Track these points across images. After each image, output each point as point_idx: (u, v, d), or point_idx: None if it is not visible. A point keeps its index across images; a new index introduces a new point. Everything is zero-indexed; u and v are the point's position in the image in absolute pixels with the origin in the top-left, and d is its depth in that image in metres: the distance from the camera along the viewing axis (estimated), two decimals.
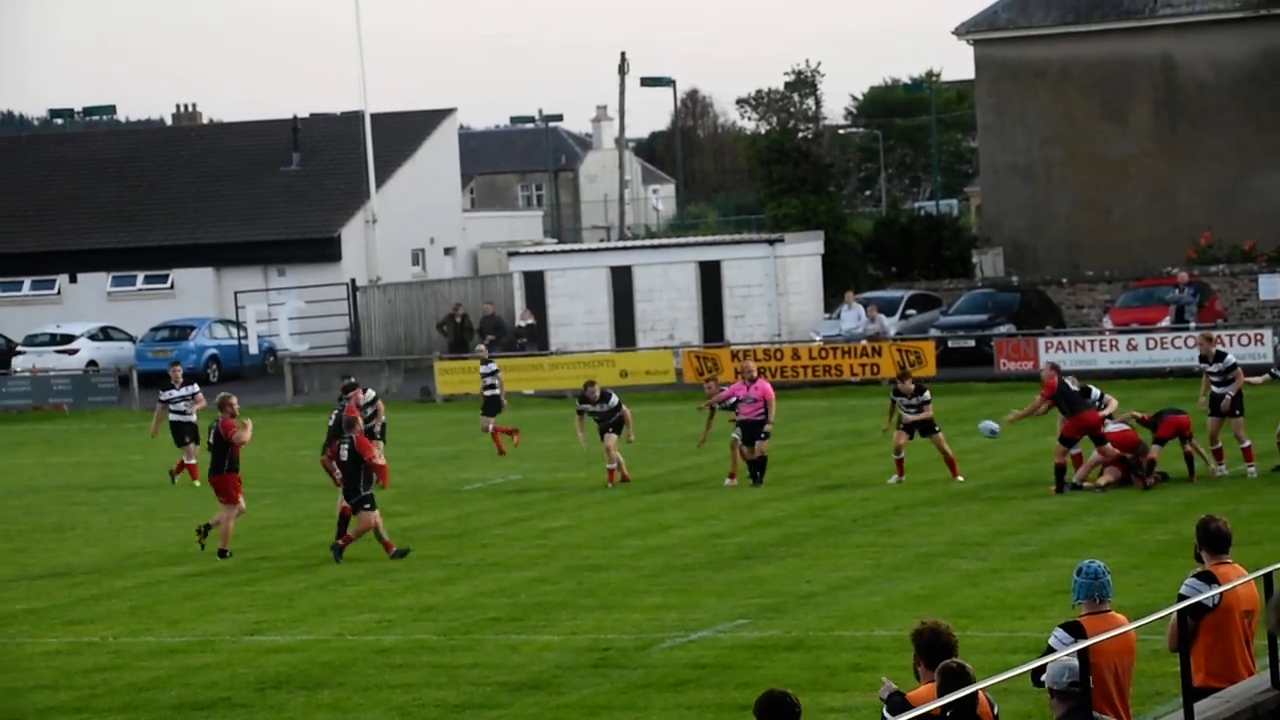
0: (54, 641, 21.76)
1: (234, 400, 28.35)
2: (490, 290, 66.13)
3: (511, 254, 60.98)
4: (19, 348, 62.75)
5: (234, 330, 63.51)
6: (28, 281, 69.01)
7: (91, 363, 61.17)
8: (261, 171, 71.51)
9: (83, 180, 72.29)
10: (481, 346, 46.20)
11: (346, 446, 26.82)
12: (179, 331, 63.09)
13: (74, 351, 61.52)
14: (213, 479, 28.04)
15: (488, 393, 39.79)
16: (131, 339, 63.95)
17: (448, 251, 73.48)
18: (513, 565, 25.64)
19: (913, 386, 31.56)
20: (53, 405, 55.62)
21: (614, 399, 33.41)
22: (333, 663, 20.01)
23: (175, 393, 37.18)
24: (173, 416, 36.94)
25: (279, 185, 70.57)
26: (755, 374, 32.53)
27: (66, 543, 29.79)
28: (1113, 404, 30.54)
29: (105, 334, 64.02)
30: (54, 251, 68.60)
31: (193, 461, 36.06)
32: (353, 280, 65.08)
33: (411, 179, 71.31)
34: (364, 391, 32.99)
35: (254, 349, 62.31)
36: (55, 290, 68.68)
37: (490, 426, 39.16)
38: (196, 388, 37.65)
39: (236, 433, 27.49)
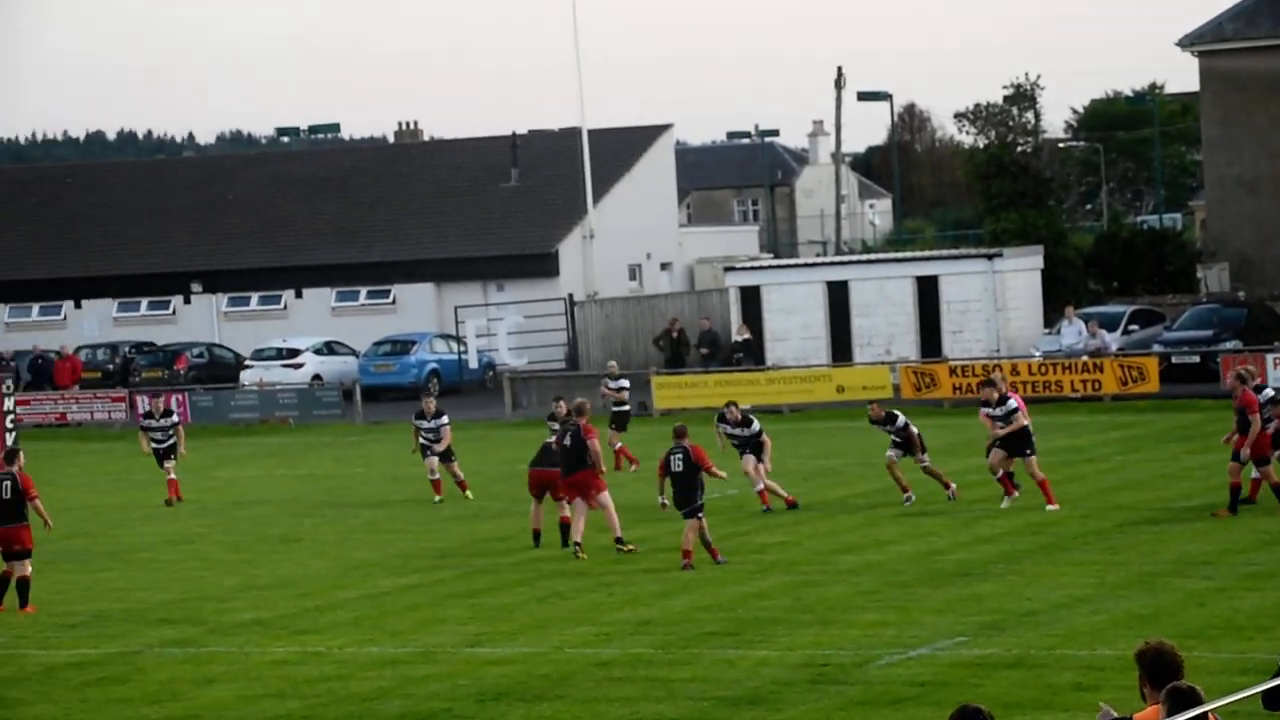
0: (281, 651, 22.13)
1: (588, 404, 29.47)
2: (706, 305, 66.22)
3: (728, 269, 61.01)
4: (247, 362, 63.98)
5: (454, 345, 64.19)
6: (255, 297, 70.36)
7: (316, 377, 62.21)
8: (481, 188, 72.27)
9: (308, 197, 73.57)
10: (612, 363, 46.18)
11: (680, 457, 27.02)
12: (400, 346, 63.93)
13: (299, 366, 62.59)
14: (575, 478, 28.20)
15: (616, 408, 40.17)
16: (355, 353, 64.91)
17: (664, 266, 73.69)
18: (729, 580, 25.64)
19: (996, 394, 30.47)
20: (279, 418, 56.63)
21: (755, 425, 32.36)
22: (551, 675, 20.15)
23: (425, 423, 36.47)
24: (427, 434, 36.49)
25: (498, 201, 71.27)
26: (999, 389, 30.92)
27: (293, 554, 30.29)
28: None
29: (329, 348, 65.06)
30: (280, 267, 69.87)
31: None
32: (570, 295, 65.51)
33: (628, 194, 71.65)
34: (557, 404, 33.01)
35: (473, 363, 62.97)
36: (282, 305, 69.93)
37: (618, 443, 39.59)
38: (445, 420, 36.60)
39: (594, 439, 28.42)
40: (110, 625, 24.34)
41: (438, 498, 35.86)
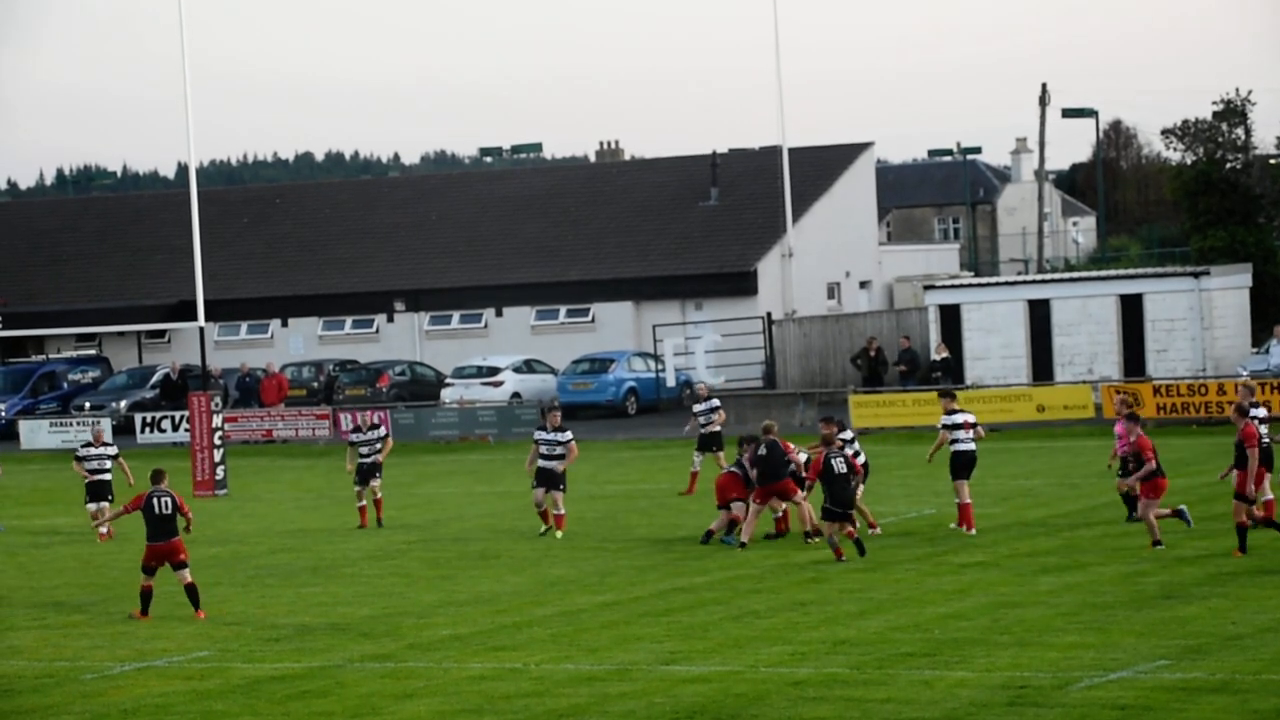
0: (478, 666, 22.31)
1: (774, 425, 31.40)
2: (905, 324, 65.85)
3: (927, 287, 60.63)
4: (448, 380, 64.62)
5: (652, 363, 64.36)
6: (456, 315, 71.07)
7: (515, 394, 62.69)
8: (681, 206, 72.44)
9: (509, 216, 74.19)
10: (700, 383, 45.98)
11: (842, 460, 29.65)
12: (599, 364, 64.22)
13: (499, 384, 63.10)
14: (774, 486, 30.89)
15: (705, 429, 40.49)
16: (554, 371, 65.32)
17: (863, 285, 73.40)
18: (926, 600, 25.46)
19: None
20: (479, 436, 57.14)
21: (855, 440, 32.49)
22: (746, 694, 20.12)
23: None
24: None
25: (698, 220, 71.40)
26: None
27: (491, 570, 30.53)
28: None
29: (529, 366, 65.52)
30: (481, 286, 70.52)
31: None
32: (768, 314, 65.44)
33: (828, 213, 71.46)
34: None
35: (671, 381, 63.11)
36: (482, 324, 70.57)
37: (699, 463, 39.94)
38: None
39: (794, 454, 31.09)
40: (313, 639, 24.68)
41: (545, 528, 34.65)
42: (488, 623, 25.39)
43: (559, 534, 34.18)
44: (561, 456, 34.17)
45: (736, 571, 28.83)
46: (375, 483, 37.37)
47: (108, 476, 37.45)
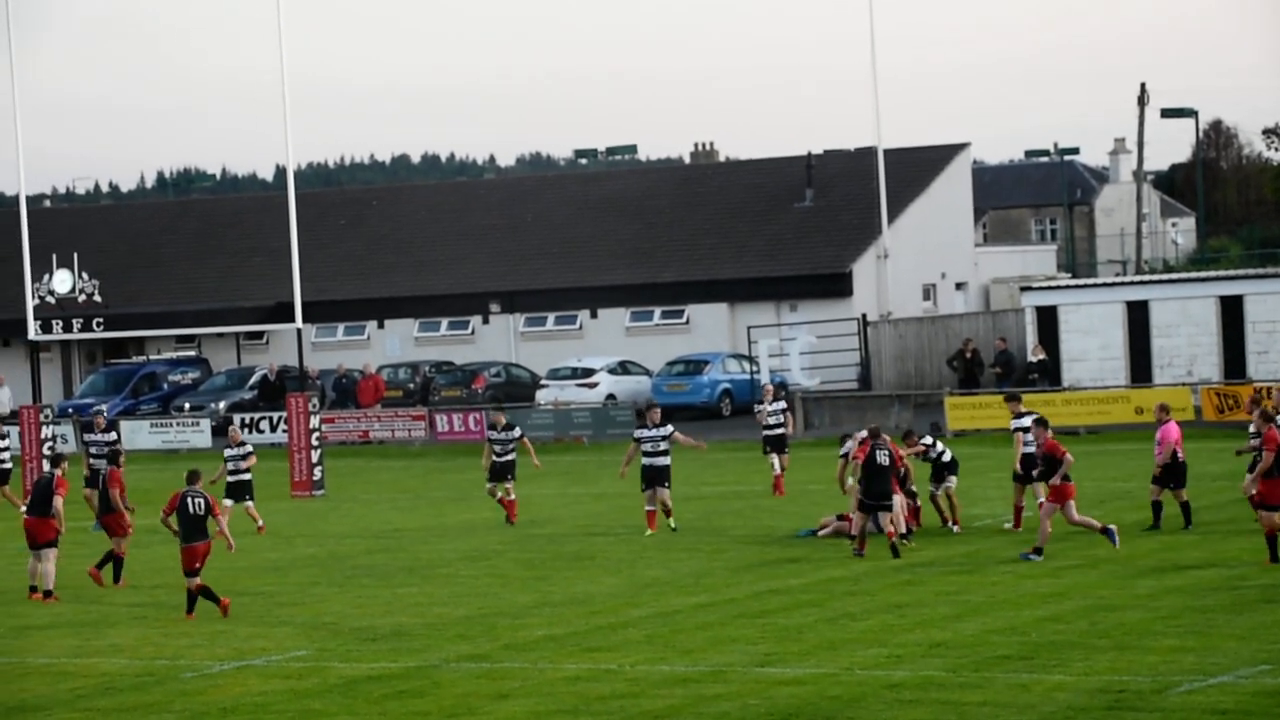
0: (573, 668, 22.35)
1: (879, 427, 31.55)
2: (1002, 325, 65.48)
3: (1024, 289, 60.28)
4: (543, 381, 64.77)
5: (746, 365, 64.30)
6: (551, 317, 71.21)
7: (610, 396, 62.76)
8: (776, 208, 72.34)
9: (604, 218, 74.29)
10: (767, 384, 45.84)
11: (886, 453, 30.27)
12: (693, 366, 64.21)
13: (594, 385, 63.18)
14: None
15: (766, 432, 40.59)
16: (648, 373, 65.34)
17: (959, 286, 73.04)
18: (1023, 603, 25.31)
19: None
20: (573, 437, 57.24)
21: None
22: (842, 696, 20.06)
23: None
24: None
25: (792, 222, 71.28)
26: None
27: (586, 571, 30.58)
28: None
29: (623, 368, 65.58)
30: (576, 288, 70.62)
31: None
32: (863, 315, 65.24)
33: (924, 214, 71.18)
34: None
35: (765, 383, 62.94)
36: (577, 325, 70.69)
37: (779, 465, 40.17)
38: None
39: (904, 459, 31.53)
40: (410, 639, 24.79)
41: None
42: (583, 624, 25.43)
43: (673, 523, 34.76)
44: (666, 451, 34.73)
45: (831, 574, 28.75)
46: (509, 482, 37.44)
47: (247, 476, 37.78)
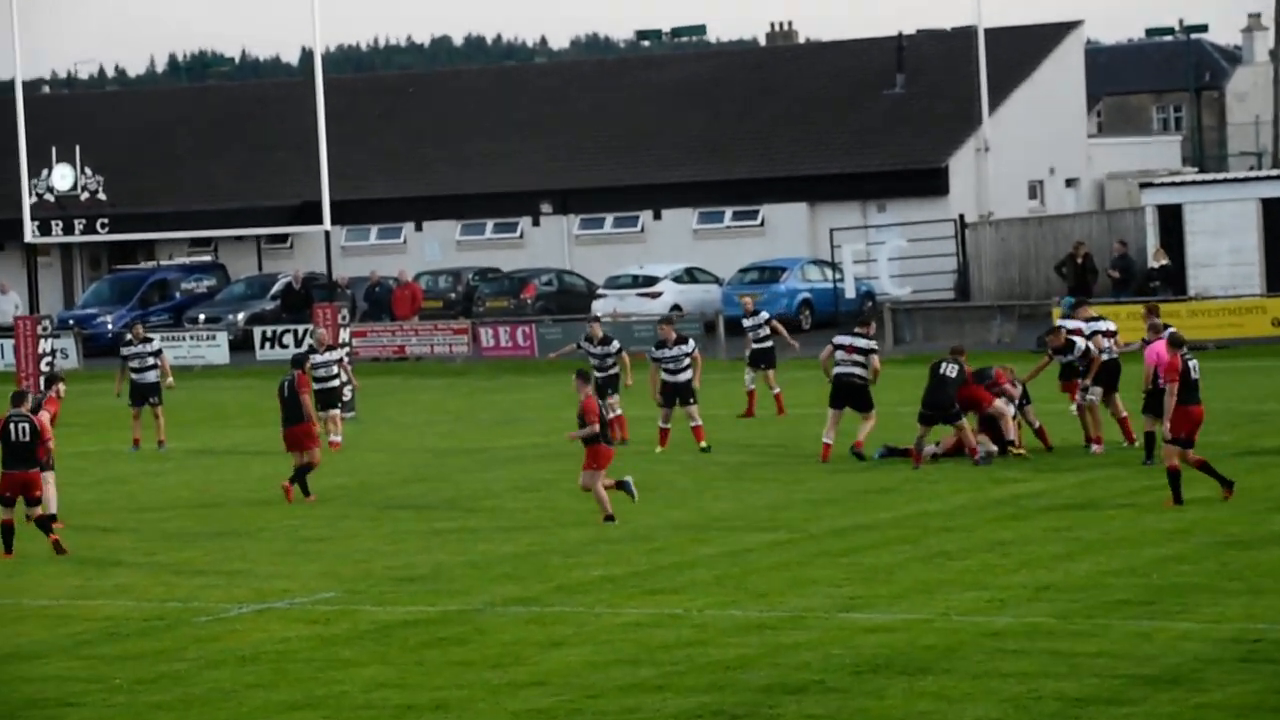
0: (633, 612, 22.29)
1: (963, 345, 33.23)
2: (1118, 227, 65.02)
3: (1144, 185, 59.87)
4: (599, 290, 64.66)
5: (828, 272, 64.05)
6: (610, 218, 71.02)
7: (675, 307, 62.63)
8: (862, 96, 71.94)
9: (669, 108, 73.99)
10: (747, 296, 46.05)
11: (956, 368, 32.54)
12: (768, 273, 64.02)
13: (657, 295, 63.06)
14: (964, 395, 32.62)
15: (757, 345, 41.88)
16: (717, 281, 65.18)
17: (1070, 183, 72.59)
18: (1143, 541, 25.12)
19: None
20: (634, 354, 57.10)
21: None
22: (937, 646, 19.94)
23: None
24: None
25: (880, 111, 70.88)
26: None
27: (648, 504, 30.49)
28: None
29: (690, 275, 65.44)
30: (637, 186, 70.43)
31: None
32: (961, 216, 64.87)
33: (1029, 101, 70.66)
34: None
35: (850, 293, 62.78)
36: (638, 228, 70.53)
37: (750, 381, 41.70)
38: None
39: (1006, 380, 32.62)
40: (450, 580, 24.79)
41: None
42: (644, 563, 25.38)
43: (704, 444, 35.95)
44: (688, 367, 36.37)
45: (924, 507, 28.62)
46: (612, 399, 37.58)
47: (335, 384, 39.48)
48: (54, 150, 55.00)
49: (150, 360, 40.79)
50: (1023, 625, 20.71)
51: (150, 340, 41.44)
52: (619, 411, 37.65)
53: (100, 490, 35.09)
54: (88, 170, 54.30)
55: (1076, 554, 24.52)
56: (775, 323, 42.23)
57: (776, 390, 41.71)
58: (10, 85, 53.09)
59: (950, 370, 32.75)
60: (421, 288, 65.66)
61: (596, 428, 28.01)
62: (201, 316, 67.47)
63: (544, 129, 74.77)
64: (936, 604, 21.97)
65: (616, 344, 38.46)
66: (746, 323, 42.46)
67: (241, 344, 61.74)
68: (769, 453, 35.81)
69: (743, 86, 74.35)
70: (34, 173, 52.34)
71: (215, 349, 60.66)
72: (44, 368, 48.85)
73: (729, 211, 69.44)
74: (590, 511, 29.75)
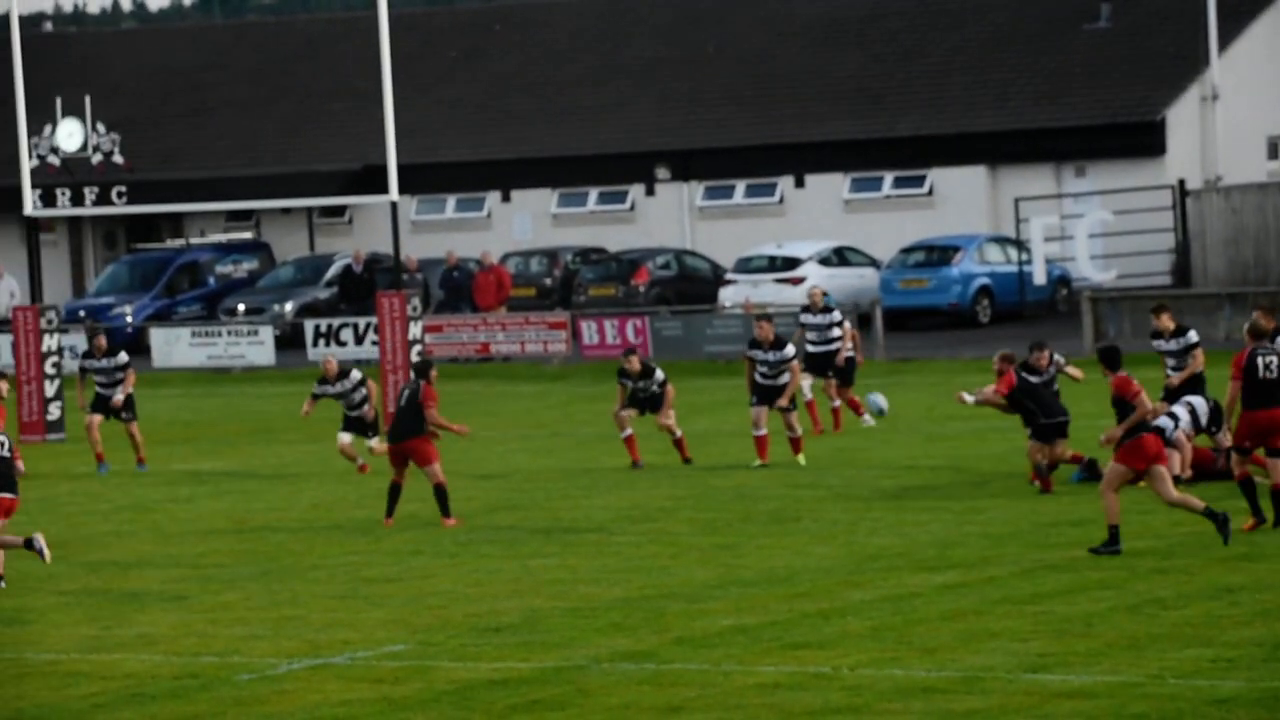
0: (770, 670, 22.41)
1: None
2: None
3: None
4: (728, 275, 64.78)
5: (1013, 252, 63.96)
6: (740, 186, 71.13)
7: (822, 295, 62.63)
8: (1056, 32, 71.79)
9: (814, 48, 74.05)
10: (816, 288, 46.52)
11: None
12: (937, 254, 64.05)
13: (799, 280, 63.16)
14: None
15: (817, 348, 42.80)
16: (874, 263, 65.20)
17: None
18: None
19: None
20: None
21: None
22: (1148, 715, 19.99)
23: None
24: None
25: (1079, 51, 70.71)
26: None
27: (788, 538, 30.59)
28: None
29: (839, 257, 65.50)
30: (774, 145, 70.52)
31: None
32: (1180, 182, 64.69)
33: (1269, 38, 70.30)
34: None
35: (1039, 278, 62.71)
36: (776, 198, 70.66)
37: (809, 390, 42.26)
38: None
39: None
40: (546, 630, 24.97)
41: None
42: (783, 610, 25.49)
43: (801, 459, 37.24)
44: (783, 373, 37.86)
45: (1133, 543, 28.61)
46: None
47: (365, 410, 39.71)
48: (59, 102, 55.41)
49: (117, 375, 41.41)
50: (1256, 691, 20.71)
51: (117, 353, 42.03)
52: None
53: (119, 520, 35.50)
54: (100, 127, 54.72)
55: None
56: (853, 331, 44.09)
57: (836, 404, 42.82)
58: (4, 21, 53.66)
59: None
60: (509, 272, 65.98)
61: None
62: (241, 307, 68.05)
63: (660, 75, 74.98)
64: (1147, 664, 21.99)
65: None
66: (811, 319, 43.61)
67: (290, 340, 62.19)
68: (938, 474, 35.85)
69: (907, 21, 74.27)
70: (34, 130, 52.85)
71: (258, 347, 61.19)
72: (49, 369, 49.29)
73: (889, 177, 69.47)
74: (718, 547, 29.92)
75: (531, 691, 22.04)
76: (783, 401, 37.47)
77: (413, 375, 34.13)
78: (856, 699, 21.10)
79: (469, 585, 28.09)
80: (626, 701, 21.43)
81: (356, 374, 39.40)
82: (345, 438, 39.29)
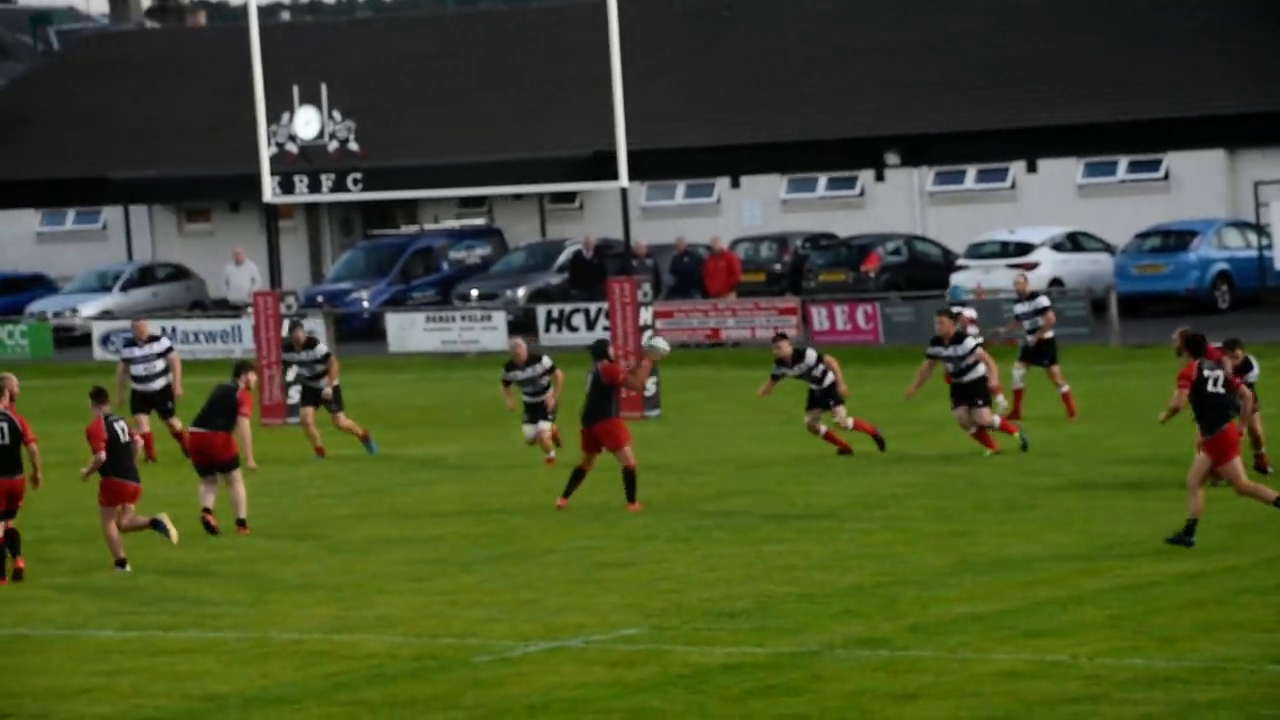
0: (1006, 659, 22.34)
1: None
2: None
3: None
4: (960, 261, 64.50)
5: (1252, 237, 63.28)
6: (972, 171, 70.77)
7: (1055, 281, 62.34)
8: None
9: (1047, 28, 73.33)
10: (1022, 276, 46.30)
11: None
12: (1174, 239, 63.47)
13: (1032, 266, 62.75)
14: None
15: (1033, 334, 42.94)
16: (1109, 249, 64.71)
17: None
18: None
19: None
20: (1004, 338, 56.75)
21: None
22: None
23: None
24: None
25: None
26: None
27: (1023, 525, 30.49)
28: None
29: (1074, 242, 65.05)
30: (1008, 130, 69.90)
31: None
32: None
33: None
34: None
35: None
36: (1008, 183, 70.26)
37: (1020, 379, 42.59)
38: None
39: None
40: (779, 616, 25.02)
41: None
42: (1019, 598, 25.41)
43: (993, 450, 37.47)
44: (973, 366, 37.92)
45: None
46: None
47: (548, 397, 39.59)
48: (295, 91, 55.61)
49: (158, 364, 41.62)
50: None
51: (158, 339, 42.40)
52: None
53: (358, 503, 35.88)
54: (336, 115, 54.90)
55: None
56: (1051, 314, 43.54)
57: (1065, 388, 42.51)
58: (242, 12, 54.25)
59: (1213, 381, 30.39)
60: (739, 257, 65.99)
61: (104, 456, 29.12)
62: (474, 292, 68.46)
63: (893, 59, 74.60)
64: None
65: (547, 361, 39.42)
66: (1020, 309, 43.67)
67: (522, 325, 62.41)
68: (1177, 464, 35.56)
69: (1150, 2, 73.23)
70: (273, 118, 53.21)
71: (491, 332, 61.42)
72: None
73: (1124, 161, 68.87)
74: (952, 534, 29.85)
75: (766, 677, 22.11)
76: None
77: (592, 358, 34.06)
78: (1095, 688, 21.01)
79: (702, 570, 28.19)
80: (861, 688, 21.45)
81: (547, 360, 39.39)
82: (530, 430, 39.28)
